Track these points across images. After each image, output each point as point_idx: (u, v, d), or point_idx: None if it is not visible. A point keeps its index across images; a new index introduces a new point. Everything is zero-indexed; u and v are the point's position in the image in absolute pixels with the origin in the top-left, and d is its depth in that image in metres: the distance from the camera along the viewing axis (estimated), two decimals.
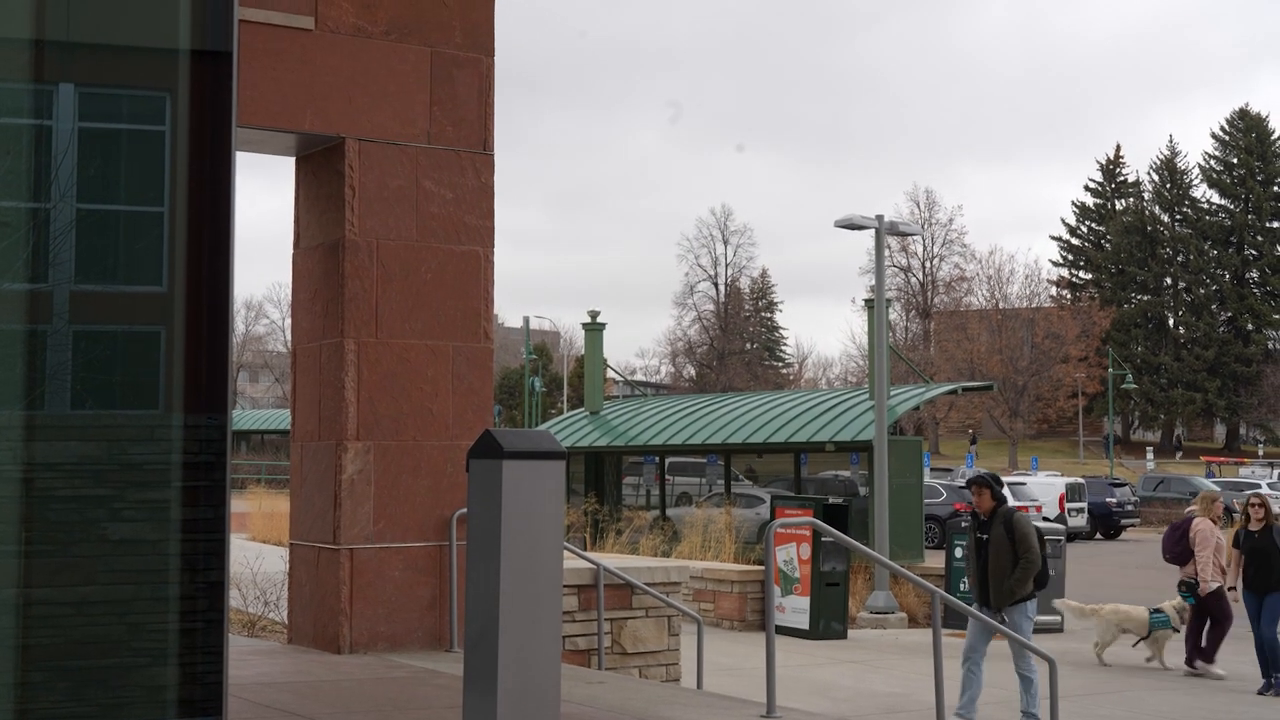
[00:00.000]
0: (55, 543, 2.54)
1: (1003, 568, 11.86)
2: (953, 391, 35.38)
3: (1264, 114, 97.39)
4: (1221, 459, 77.70)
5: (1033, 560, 11.83)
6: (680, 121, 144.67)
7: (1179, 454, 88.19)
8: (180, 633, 2.56)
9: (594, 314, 33.63)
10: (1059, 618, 20.63)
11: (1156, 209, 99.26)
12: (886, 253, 25.08)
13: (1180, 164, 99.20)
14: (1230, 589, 15.94)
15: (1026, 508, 41.09)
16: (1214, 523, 16.90)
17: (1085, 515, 45.09)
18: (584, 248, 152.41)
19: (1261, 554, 15.09)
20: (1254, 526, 15.31)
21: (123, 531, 2.55)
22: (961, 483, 46.66)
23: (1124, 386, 76.75)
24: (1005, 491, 14.09)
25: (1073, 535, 36.94)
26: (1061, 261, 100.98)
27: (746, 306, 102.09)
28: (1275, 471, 65.29)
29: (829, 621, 18.69)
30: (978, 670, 12.15)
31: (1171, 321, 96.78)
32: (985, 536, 12.03)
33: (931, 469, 55.09)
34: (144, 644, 2.58)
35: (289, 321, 13.88)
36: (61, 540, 2.53)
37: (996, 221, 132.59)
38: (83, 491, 2.54)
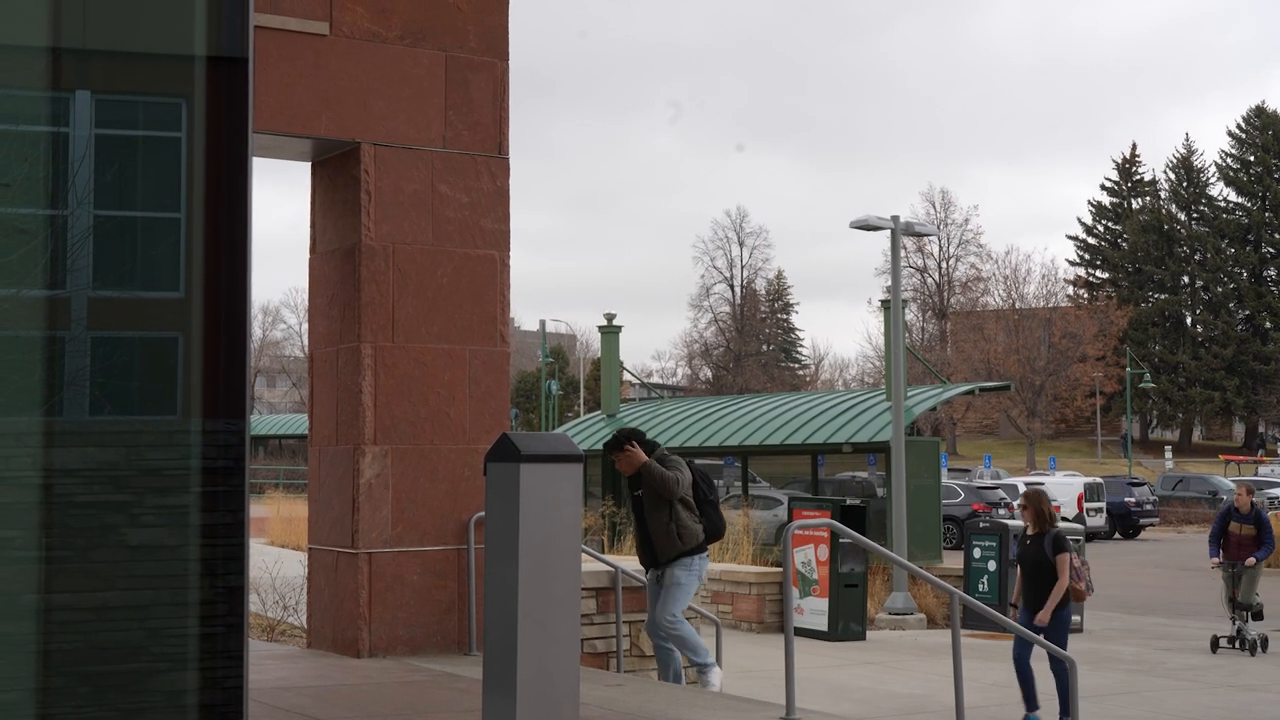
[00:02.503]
0: (75, 548, 2.55)
1: (662, 522, 10.37)
2: (970, 392, 35.32)
3: None
4: (1240, 457, 77.42)
5: (660, 476, 10.35)
6: (691, 123, 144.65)
7: (1230, 453, 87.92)
8: (200, 637, 2.57)
9: (610, 317, 33.64)
10: (1078, 617, 20.58)
11: (1173, 207, 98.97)
12: (902, 253, 25.06)
13: (1197, 162, 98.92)
14: (1012, 605, 13.10)
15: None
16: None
17: (1104, 515, 44.95)
18: (600, 250, 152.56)
19: (1032, 564, 12.27)
20: (1029, 531, 12.48)
21: (142, 537, 2.56)
22: (982, 483, 46.60)
23: (1142, 385, 76.55)
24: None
25: (1091, 535, 36.81)
26: (1078, 261, 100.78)
27: (762, 308, 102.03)
28: None
29: (847, 623, 18.66)
30: (658, 649, 10.71)
31: (1189, 320, 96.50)
32: (638, 492, 10.60)
33: (949, 470, 54.99)
34: (164, 649, 2.59)
35: (306, 326, 13.92)
36: (81, 545, 2.54)
37: (1012, 221, 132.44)
38: (102, 497, 2.55)
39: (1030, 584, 12.33)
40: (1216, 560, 18.32)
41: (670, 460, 10.63)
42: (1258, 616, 18.28)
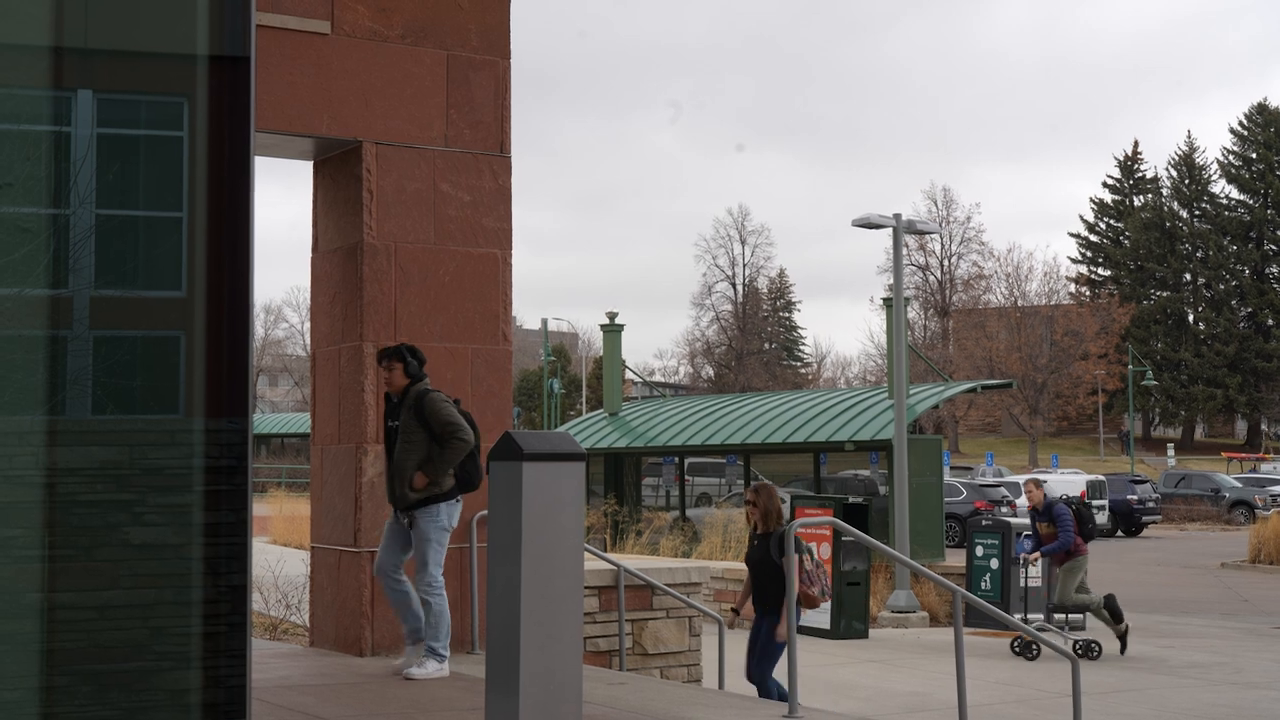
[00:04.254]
0: (78, 547, 2.55)
1: (414, 462, 9.35)
2: (972, 390, 35.34)
3: None
4: (1243, 455, 77.38)
5: (464, 439, 9.35)
6: (694, 121, 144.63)
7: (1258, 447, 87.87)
8: (203, 636, 2.57)
9: (612, 315, 33.64)
10: (1082, 616, 20.57)
11: (1175, 205, 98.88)
12: (904, 251, 25.06)
13: (1199, 160, 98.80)
14: (734, 610, 11.90)
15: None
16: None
17: (1106, 512, 44.96)
18: (601, 249, 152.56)
19: (759, 566, 11.07)
20: (758, 530, 11.28)
21: (145, 536, 2.56)
22: (984, 481, 46.58)
23: (1144, 383, 76.51)
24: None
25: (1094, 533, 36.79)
26: (1080, 258, 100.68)
27: (764, 306, 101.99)
28: None
29: (850, 621, 18.67)
30: (392, 591, 9.64)
31: (1191, 317, 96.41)
32: (395, 424, 9.50)
33: (951, 467, 54.98)
34: (167, 647, 2.59)
35: (308, 325, 13.91)
36: (84, 545, 2.55)
37: (1014, 219, 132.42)
38: (105, 496, 2.55)
39: (759, 588, 10.98)
40: (1033, 557, 18.14)
41: (443, 396, 9.55)
42: (1089, 615, 17.91)
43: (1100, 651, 16.85)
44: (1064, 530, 17.25)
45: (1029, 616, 18.11)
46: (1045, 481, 18.90)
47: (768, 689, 10.73)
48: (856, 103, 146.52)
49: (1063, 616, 18.17)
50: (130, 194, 2.67)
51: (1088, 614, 19.09)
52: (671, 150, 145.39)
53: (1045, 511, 17.55)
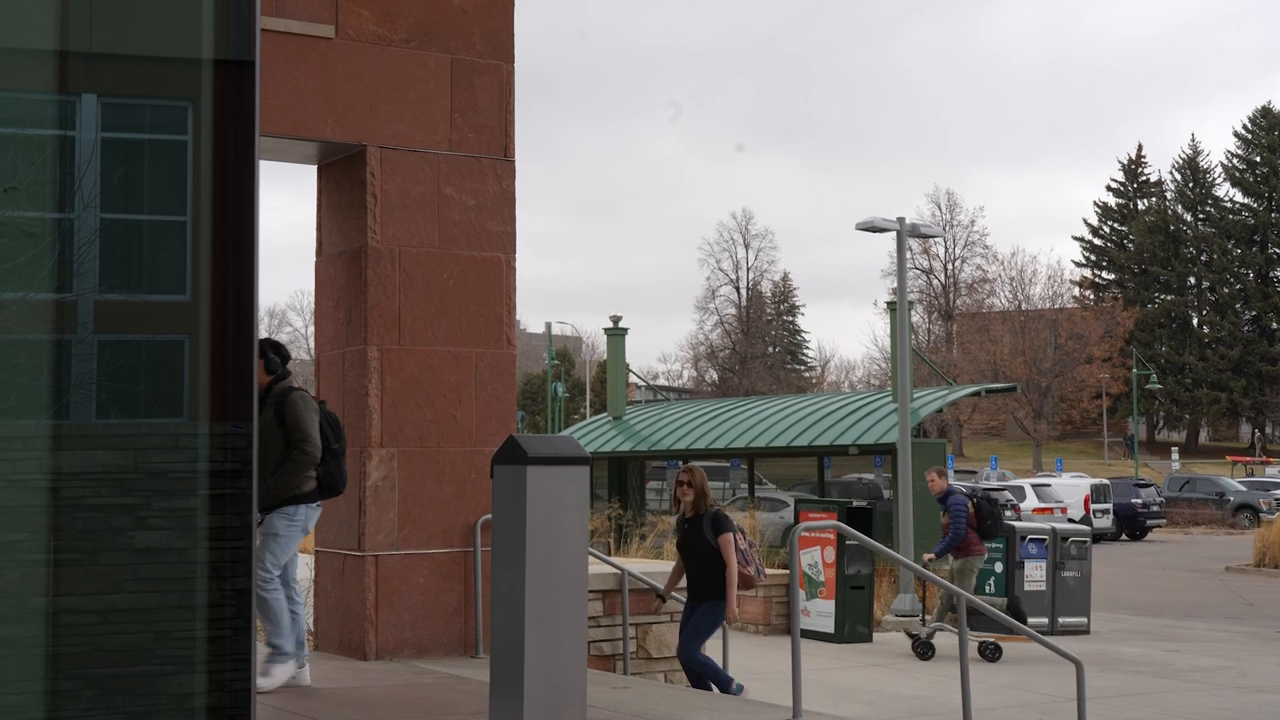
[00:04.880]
0: (82, 551, 2.55)
1: (272, 460, 8.94)
2: (976, 393, 35.31)
3: None
4: (1247, 458, 77.30)
5: (309, 452, 8.98)
6: (698, 125, 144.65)
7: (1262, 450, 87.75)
8: (207, 640, 2.57)
9: (616, 319, 33.64)
10: (1085, 619, 20.56)
11: (1179, 208, 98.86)
12: (908, 255, 25.07)
13: (1203, 163, 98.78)
14: (660, 598, 11.74)
15: (1051, 509, 41.04)
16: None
17: (1111, 516, 44.93)
18: (606, 253, 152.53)
19: (693, 549, 10.74)
20: (687, 514, 10.96)
21: (149, 540, 2.56)
22: (988, 485, 46.54)
23: (1148, 387, 76.47)
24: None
25: (1098, 536, 36.78)
26: (1084, 262, 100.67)
27: (768, 310, 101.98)
28: None
29: (854, 625, 18.65)
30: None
31: (1195, 321, 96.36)
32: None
33: (955, 471, 54.96)
34: (171, 651, 2.59)
35: (312, 329, 13.93)
36: (89, 549, 2.55)
37: (1018, 223, 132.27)
38: (109, 500, 2.55)
39: (694, 571, 10.74)
40: (927, 557, 17.60)
41: (306, 397, 9.17)
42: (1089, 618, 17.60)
43: (1001, 654, 16.87)
44: (955, 523, 16.62)
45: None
46: (946, 471, 17.96)
47: (699, 662, 10.55)
48: (860, 106, 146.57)
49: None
50: (135, 198, 2.67)
51: (1090, 616, 19.11)
52: (675, 154, 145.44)
53: (942, 501, 16.91)
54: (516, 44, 10.98)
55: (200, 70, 2.63)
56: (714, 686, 10.58)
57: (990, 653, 16.77)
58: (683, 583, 11.11)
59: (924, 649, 16.86)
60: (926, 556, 17.78)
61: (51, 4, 2.56)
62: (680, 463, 29.14)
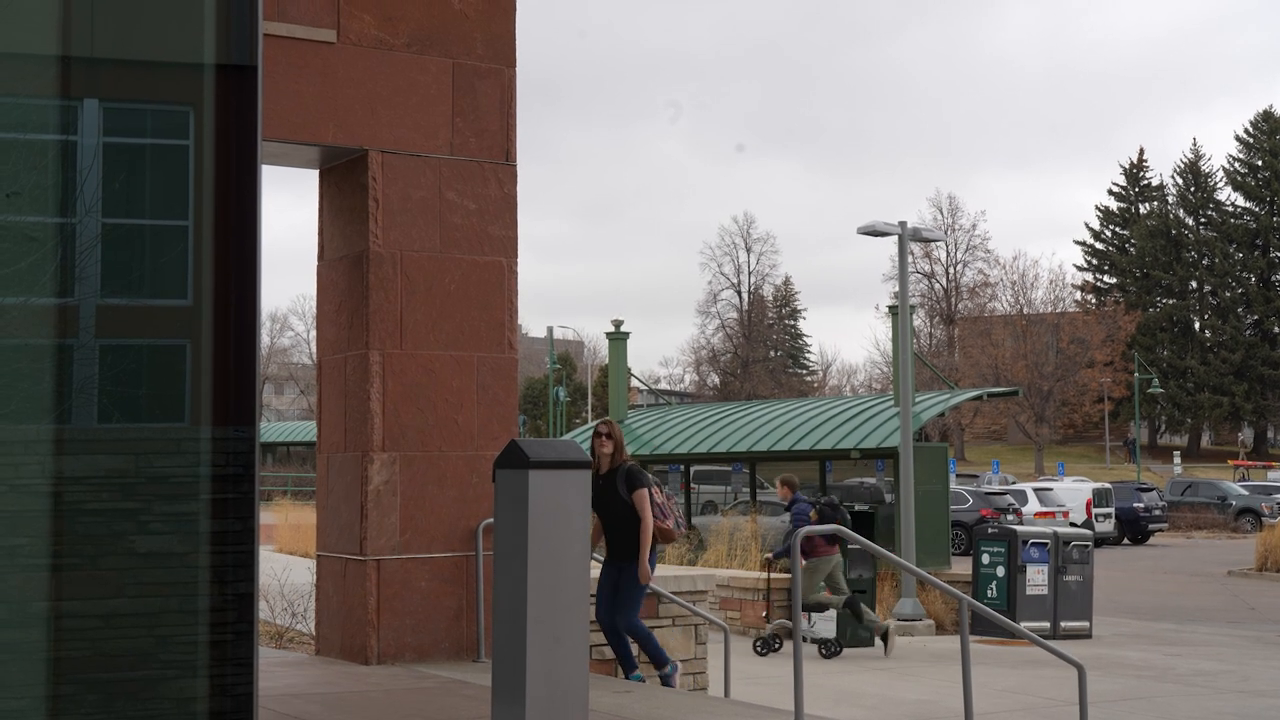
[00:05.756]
0: (84, 555, 2.55)
1: None
2: (978, 397, 35.28)
3: None
4: (1249, 463, 77.23)
5: None
6: (699, 129, 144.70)
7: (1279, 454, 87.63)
8: (209, 644, 2.57)
9: (618, 323, 33.62)
10: (1087, 623, 20.55)
11: (1181, 212, 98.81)
12: (910, 259, 25.05)
13: (1204, 167, 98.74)
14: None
15: (1053, 513, 41.02)
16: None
17: (1113, 520, 44.90)
18: (607, 257, 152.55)
19: (607, 508, 10.27)
20: (601, 470, 10.34)
21: (151, 544, 2.56)
22: (990, 489, 46.52)
23: (1150, 391, 76.42)
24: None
25: (1100, 541, 36.78)
26: (1086, 266, 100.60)
27: (770, 314, 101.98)
28: None
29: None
30: None
31: (1197, 325, 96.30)
32: None
33: (957, 475, 54.94)
34: (173, 656, 2.59)
35: (314, 334, 13.92)
36: (90, 553, 2.55)
37: (1020, 227, 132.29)
38: (111, 505, 2.55)
39: (612, 530, 10.30)
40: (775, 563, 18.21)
41: None
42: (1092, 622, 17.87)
43: (840, 650, 17.45)
44: (794, 527, 16.86)
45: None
46: (793, 481, 18.11)
47: (637, 633, 10.29)
48: (862, 110, 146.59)
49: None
50: (137, 203, 2.67)
51: (1092, 620, 19.10)
52: (677, 158, 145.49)
53: (788, 508, 17.65)
54: (518, 48, 10.98)
55: (202, 75, 2.63)
56: (623, 664, 10.35)
57: (829, 649, 17.40)
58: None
59: (765, 645, 17.41)
60: (765, 556, 18.33)
61: (54, 9, 2.56)
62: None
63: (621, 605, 10.23)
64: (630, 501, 10.17)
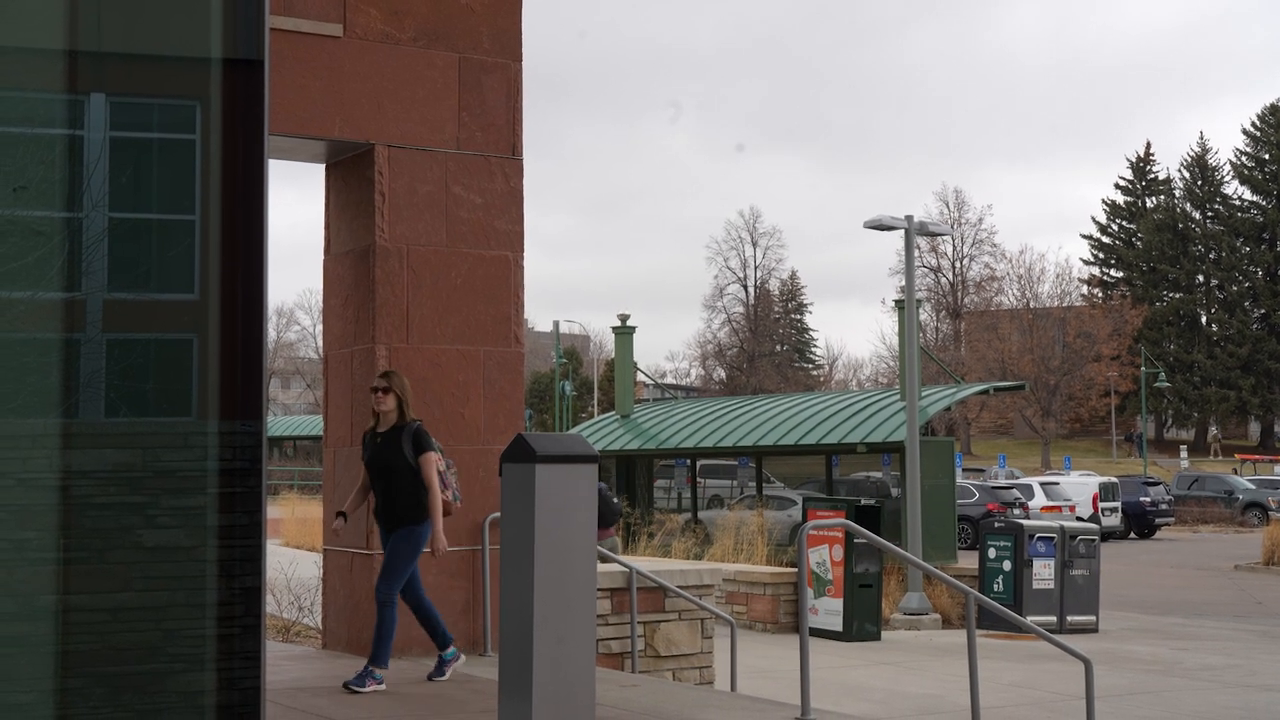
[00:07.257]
0: (91, 549, 2.55)
1: None
2: (984, 391, 35.25)
3: None
4: (1256, 456, 77.14)
5: None
6: (706, 124, 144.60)
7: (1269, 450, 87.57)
8: (217, 638, 2.57)
9: (624, 317, 33.62)
10: (1093, 617, 20.54)
11: (1188, 206, 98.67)
12: (916, 253, 25.02)
13: (1211, 161, 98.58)
14: (340, 513, 9.77)
15: (1059, 507, 40.99)
16: None
17: (1119, 515, 44.86)
18: (614, 251, 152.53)
19: (384, 468, 9.32)
20: (380, 428, 9.42)
21: (158, 538, 2.56)
22: (996, 483, 46.49)
23: (1157, 385, 76.34)
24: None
25: (1107, 535, 36.75)
26: (1092, 260, 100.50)
27: (776, 308, 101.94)
28: None
29: (862, 623, 18.64)
30: None
31: (1204, 319, 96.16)
32: None
33: (964, 469, 54.91)
34: (181, 649, 2.59)
35: (320, 328, 13.92)
36: (97, 547, 2.55)
37: (1026, 221, 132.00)
38: (118, 499, 2.56)
39: (388, 495, 9.27)
40: None
41: None
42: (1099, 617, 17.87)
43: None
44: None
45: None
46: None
47: (424, 606, 9.48)
48: (868, 105, 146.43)
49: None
50: (143, 197, 2.67)
51: (1099, 615, 19.08)
52: (683, 153, 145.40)
53: None
54: (525, 43, 10.98)
55: (209, 69, 2.63)
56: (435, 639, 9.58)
57: None
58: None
59: None
60: None
61: (60, 3, 2.56)
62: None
63: (386, 569, 9.25)
64: (415, 465, 9.18)
